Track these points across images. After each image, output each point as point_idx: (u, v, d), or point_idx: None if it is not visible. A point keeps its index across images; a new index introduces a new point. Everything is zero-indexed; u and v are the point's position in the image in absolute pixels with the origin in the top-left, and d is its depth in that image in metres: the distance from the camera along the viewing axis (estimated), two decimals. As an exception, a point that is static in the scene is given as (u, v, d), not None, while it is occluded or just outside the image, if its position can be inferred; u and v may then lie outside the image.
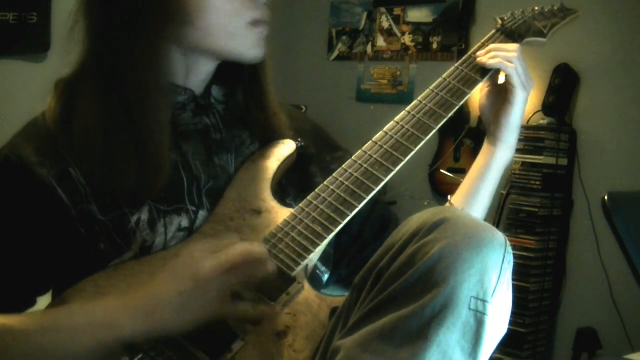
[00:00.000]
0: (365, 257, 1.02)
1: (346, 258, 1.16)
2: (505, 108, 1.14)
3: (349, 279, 1.05)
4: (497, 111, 1.16)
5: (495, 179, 1.17)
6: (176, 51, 1.03)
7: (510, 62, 1.13)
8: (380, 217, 1.20)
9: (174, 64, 1.03)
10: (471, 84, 1.13)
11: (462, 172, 3.30)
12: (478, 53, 1.17)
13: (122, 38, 0.98)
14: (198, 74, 1.06)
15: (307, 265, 0.98)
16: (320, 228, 0.98)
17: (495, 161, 1.16)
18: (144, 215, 1.00)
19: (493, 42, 1.20)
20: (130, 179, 0.97)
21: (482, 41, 1.21)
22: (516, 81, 1.13)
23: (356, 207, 1.00)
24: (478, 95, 1.20)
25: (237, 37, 1.03)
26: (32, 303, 1.02)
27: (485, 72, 1.15)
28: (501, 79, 1.16)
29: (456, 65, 1.16)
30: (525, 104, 1.15)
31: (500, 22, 1.24)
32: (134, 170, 0.97)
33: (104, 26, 0.99)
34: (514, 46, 1.16)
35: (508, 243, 0.82)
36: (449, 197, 1.18)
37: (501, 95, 1.16)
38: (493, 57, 1.14)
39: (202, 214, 1.04)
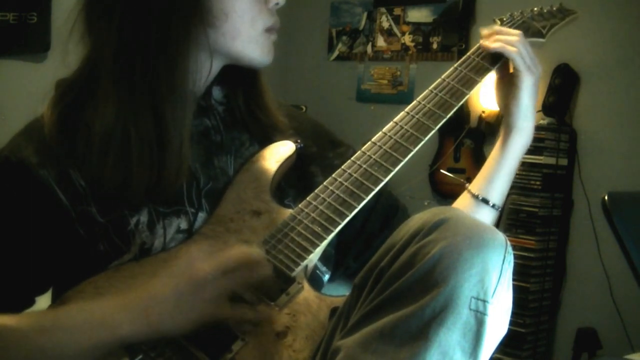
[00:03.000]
0: (373, 249, 1.02)
1: (353, 251, 1.16)
2: (514, 94, 1.13)
3: (358, 272, 1.05)
4: (508, 98, 1.15)
5: (512, 166, 1.16)
6: (195, 54, 1.03)
7: (513, 45, 1.12)
8: (386, 207, 1.19)
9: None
10: (470, 84, 1.13)
11: (462, 172, 3.30)
12: (482, 37, 1.16)
13: (152, 40, 0.98)
14: (203, 76, 1.06)
15: (306, 265, 0.98)
16: (319, 228, 0.98)
17: (511, 148, 1.15)
18: (143, 217, 1.00)
19: None
20: (149, 179, 0.97)
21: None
22: (520, 64, 1.12)
23: (355, 207, 1.00)
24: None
25: (254, 42, 1.05)
26: (31, 303, 1.02)
27: (483, 71, 1.15)
28: (512, 68, 1.15)
29: (455, 65, 1.16)
30: (534, 89, 1.14)
31: (499, 22, 1.24)
32: (155, 170, 0.97)
33: (129, 28, 0.98)
34: (516, 31, 1.15)
35: (508, 243, 0.82)
36: (466, 184, 1.18)
37: (511, 82, 1.15)
38: (495, 41, 1.14)
39: (201, 215, 1.04)
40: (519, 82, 1.13)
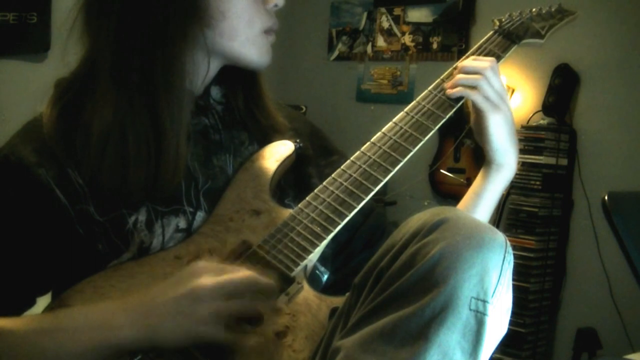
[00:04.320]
0: (352, 266, 1.01)
1: (334, 265, 1.16)
2: (483, 132, 1.12)
3: (335, 286, 1.05)
4: (480, 135, 1.14)
5: (493, 199, 1.15)
6: (191, 53, 1.02)
7: (474, 87, 1.10)
8: (373, 227, 1.19)
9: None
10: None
11: (462, 172, 3.30)
12: (446, 84, 1.13)
13: (149, 39, 0.98)
14: (201, 76, 1.06)
15: (306, 265, 0.98)
16: (319, 228, 0.98)
17: (490, 182, 1.14)
18: (142, 216, 1.00)
19: (491, 44, 1.20)
20: (146, 178, 0.97)
21: (480, 43, 1.21)
22: (482, 106, 1.09)
23: (355, 207, 1.00)
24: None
25: (252, 43, 1.05)
26: (32, 303, 1.02)
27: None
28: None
29: (454, 65, 1.16)
30: (505, 124, 1.11)
31: (497, 23, 1.24)
32: (152, 168, 0.97)
33: (126, 27, 0.98)
34: (484, 64, 1.11)
35: (508, 243, 0.82)
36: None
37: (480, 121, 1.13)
38: (454, 87, 1.11)
39: (199, 214, 1.04)
40: (485, 121, 1.11)
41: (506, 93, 1.12)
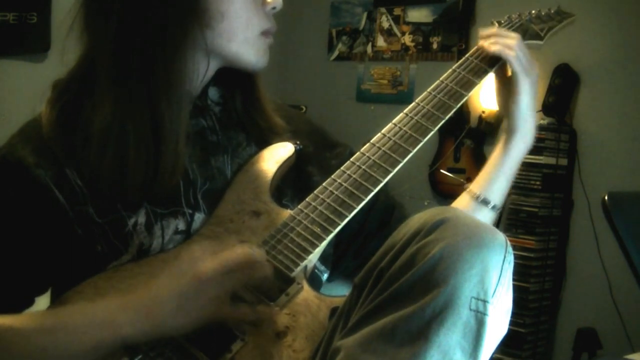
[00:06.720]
0: (370, 248, 1.01)
1: (351, 250, 1.16)
2: (513, 96, 1.14)
3: (357, 271, 1.05)
4: (507, 101, 1.16)
5: (513, 168, 1.17)
6: (192, 53, 1.03)
7: (511, 49, 1.13)
8: (384, 207, 1.20)
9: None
10: (468, 86, 1.14)
11: (462, 172, 3.30)
12: (481, 39, 1.17)
13: (149, 39, 0.98)
14: (200, 76, 1.06)
15: (306, 265, 0.98)
16: (319, 229, 0.98)
17: (512, 150, 1.16)
18: (141, 218, 1.00)
19: None
20: (144, 177, 0.97)
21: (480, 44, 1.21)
22: (517, 67, 1.13)
23: (354, 208, 1.00)
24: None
25: (249, 44, 1.05)
26: (30, 303, 1.02)
27: (481, 73, 1.15)
28: (510, 71, 1.16)
29: (453, 67, 1.17)
30: (532, 91, 1.14)
31: (497, 25, 1.25)
32: (151, 169, 0.97)
33: (126, 27, 0.98)
34: (514, 34, 1.17)
35: (508, 243, 0.82)
36: (466, 184, 1.18)
37: (509, 85, 1.16)
38: (494, 44, 1.15)
39: (198, 216, 1.04)
40: (516, 85, 1.14)
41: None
